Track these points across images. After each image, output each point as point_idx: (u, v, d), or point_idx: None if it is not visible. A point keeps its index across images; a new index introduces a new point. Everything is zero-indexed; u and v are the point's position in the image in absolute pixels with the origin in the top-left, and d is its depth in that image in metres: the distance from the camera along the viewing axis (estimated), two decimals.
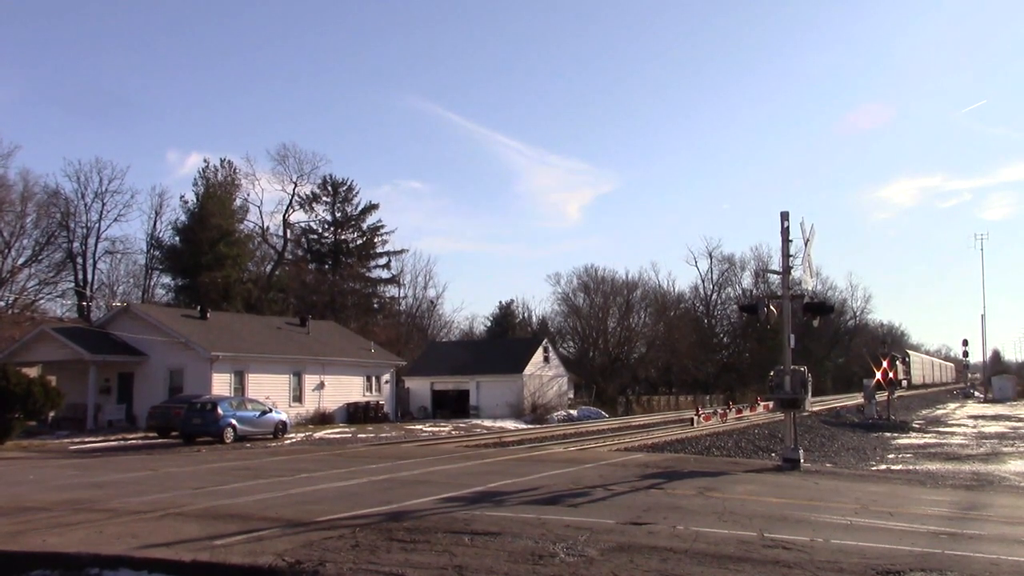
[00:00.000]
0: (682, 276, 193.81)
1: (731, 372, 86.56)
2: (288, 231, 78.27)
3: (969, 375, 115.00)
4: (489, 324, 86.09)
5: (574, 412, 52.95)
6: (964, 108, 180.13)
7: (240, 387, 38.08)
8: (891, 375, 61.43)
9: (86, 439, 31.18)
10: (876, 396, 51.47)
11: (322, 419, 41.93)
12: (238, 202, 73.94)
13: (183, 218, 68.85)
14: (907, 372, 77.77)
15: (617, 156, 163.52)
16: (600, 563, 8.54)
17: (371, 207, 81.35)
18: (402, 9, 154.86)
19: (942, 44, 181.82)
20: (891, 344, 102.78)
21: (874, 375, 60.70)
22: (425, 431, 38.82)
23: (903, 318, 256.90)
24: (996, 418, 52.84)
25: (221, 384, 37.23)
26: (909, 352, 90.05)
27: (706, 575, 8.15)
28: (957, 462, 27.09)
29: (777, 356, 21.76)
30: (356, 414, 44.39)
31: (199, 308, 44.79)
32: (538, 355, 56.44)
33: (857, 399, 60.32)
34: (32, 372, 31.68)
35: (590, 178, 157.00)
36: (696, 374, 78.42)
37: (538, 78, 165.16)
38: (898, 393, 67.84)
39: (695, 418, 38.20)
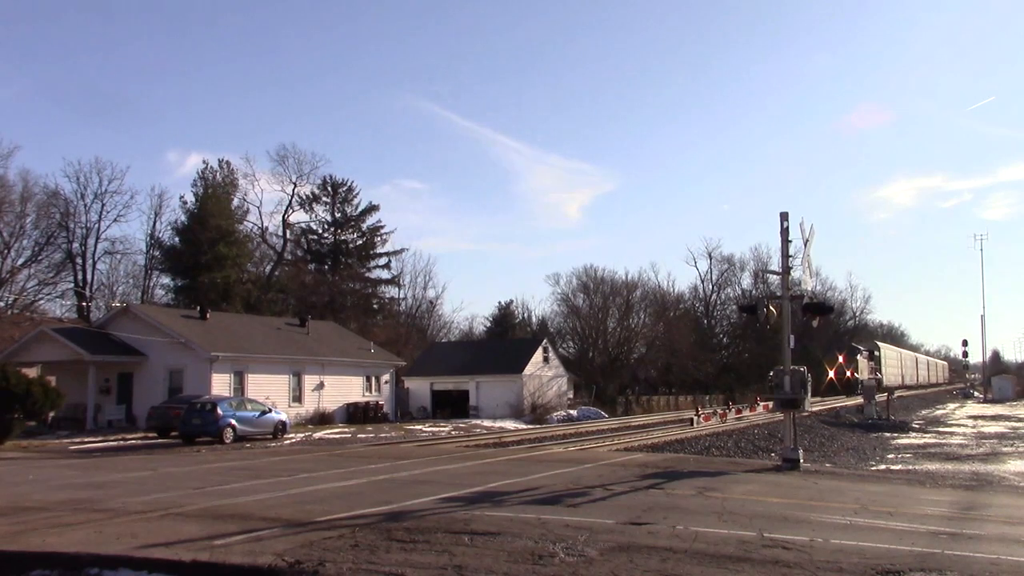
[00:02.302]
0: (682, 276, 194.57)
1: (731, 372, 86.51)
2: (288, 231, 78.46)
3: (969, 375, 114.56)
4: (489, 324, 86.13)
5: (574, 412, 52.91)
6: (970, 106, 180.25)
7: (240, 387, 38.07)
8: (848, 373, 57.03)
9: (86, 439, 31.17)
10: (875, 396, 51.20)
11: (322, 419, 41.93)
12: (237, 202, 74.12)
13: (182, 218, 68.97)
14: (876, 369, 68.71)
15: (617, 156, 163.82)
16: (600, 563, 8.54)
17: (371, 208, 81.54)
18: (402, 9, 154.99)
19: (942, 44, 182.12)
20: (865, 337, 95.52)
21: (827, 373, 55.25)
22: (425, 431, 38.81)
23: (903, 318, 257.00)
24: (995, 418, 52.82)
25: (221, 384, 37.23)
26: (880, 345, 78.55)
27: (706, 575, 8.15)
28: (957, 462, 27.10)
29: (776, 356, 21.76)
30: (356, 414, 44.39)
31: (199, 308, 44.79)
32: (538, 355, 56.43)
33: (857, 399, 58.92)
34: (32, 372, 31.69)
35: (590, 178, 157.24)
36: (696, 374, 78.35)
37: (538, 78, 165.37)
38: (897, 394, 66.37)
39: (695, 418, 38.16)
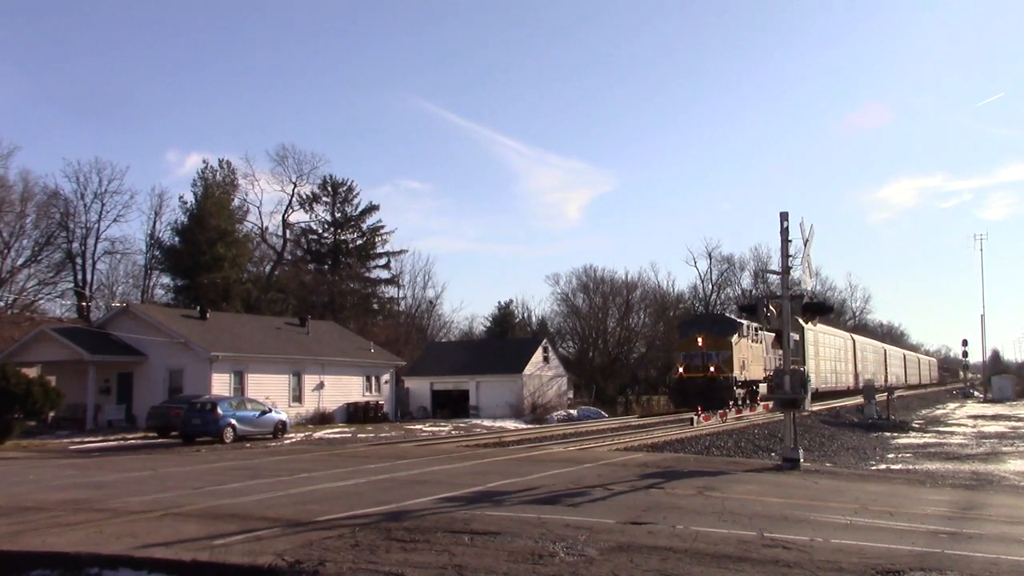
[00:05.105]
0: (682, 276, 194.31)
1: None
2: (287, 231, 78.49)
3: (969, 374, 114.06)
4: (489, 324, 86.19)
5: (574, 412, 52.91)
6: (972, 105, 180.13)
7: (240, 387, 38.07)
8: (711, 368, 37.55)
9: (86, 439, 31.18)
10: (875, 396, 51.00)
11: (322, 419, 41.93)
12: (237, 202, 74.20)
13: (182, 218, 69.01)
14: (794, 366, 47.98)
15: (617, 156, 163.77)
16: (600, 563, 8.54)
17: (371, 208, 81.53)
18: (402, 9, 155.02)
19: (942, 44, 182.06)
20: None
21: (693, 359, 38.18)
22: (425, 431, 38.80)
23: (903, 318, 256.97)
24: (995, 418, 52.80)
25: (221, 384, 37.23)
26: (805, 327, 43.94)
27: (706, 575, 8.15)
28: (957, 462, 27.08)
29: None
30: (356, 414, 44.39)
31: (198, 308, 44.80)
32: (538, 355, 56.42)
33: (857, 399, 57.70)
34: (32, 372, 31.67)
35: (590, 178, 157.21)
36: None
37: (538, 78, 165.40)
38: (898, 393, 65.33)
39: (695, 418, 38.05)
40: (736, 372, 39.17)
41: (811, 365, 50.29)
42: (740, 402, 40.49)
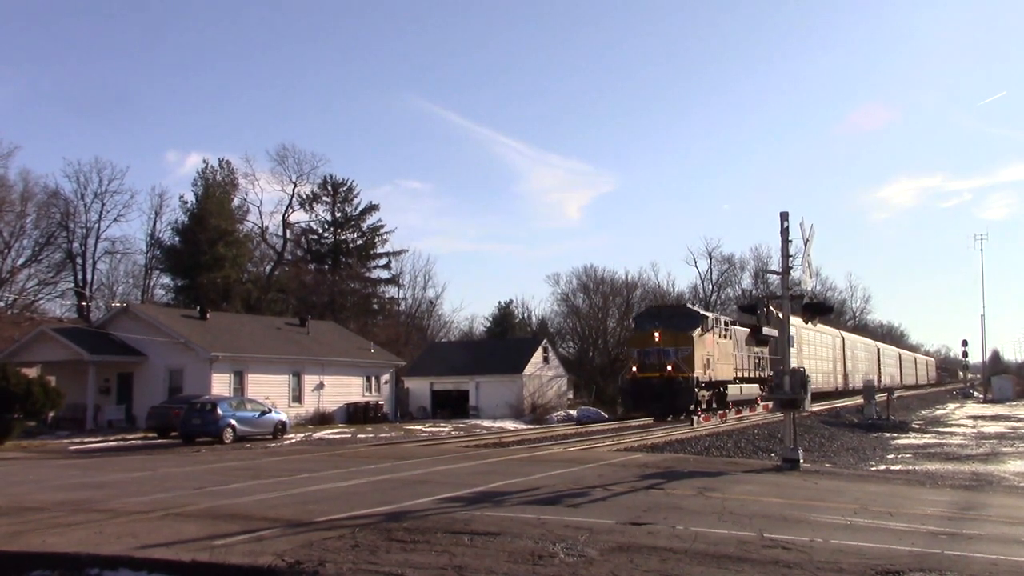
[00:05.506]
0: (682, 276, 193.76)
1: None
2: (288, 231, 78.50)
3: (969, 375, 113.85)
4: (489, 324, 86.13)
5: (574, 412, 52.84)
6: (973, 104, 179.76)
7: (240, 387, 38.08)
8: (668, 367, 34.20)
9: (86, 439, 31.19)
10: (876, 396, 50.86)
11: (322, 419, 41.93)
12: (237, 202, 74.26)
13: (183, 218, 69.07)
14: (774, 361, 40.50)
15: (617, 156, 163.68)
16: (600, 563, 8.55)
17: (371, 207, 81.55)
18: (402, 9, 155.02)
19: (943, 43, 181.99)
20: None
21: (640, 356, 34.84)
22: (425, 431, 38.80)
23: (903, 318, 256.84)
24: (995, 418, 52.74)
25: (221, 384, 37.24)
26: (795, 324, 34.00)
27: (706, 575, 8.16)
28: (957, 462, 27.06)
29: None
30: (356, 414, 44.40)
31: (199, 308, 44.83)
32: (538, 355, 56.42)
33: (846, 402, 55.51)
34: (32, 372, 31.71)
35: (590, 178, 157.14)
36: None
37: (538, 78, 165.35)
38: (898, 393, 65.31)
39: (694, 418, 37.98)
40: (699, 371, 35.46)
41: (793, 364, 45.25)
42: (705, 406, 36.39)
